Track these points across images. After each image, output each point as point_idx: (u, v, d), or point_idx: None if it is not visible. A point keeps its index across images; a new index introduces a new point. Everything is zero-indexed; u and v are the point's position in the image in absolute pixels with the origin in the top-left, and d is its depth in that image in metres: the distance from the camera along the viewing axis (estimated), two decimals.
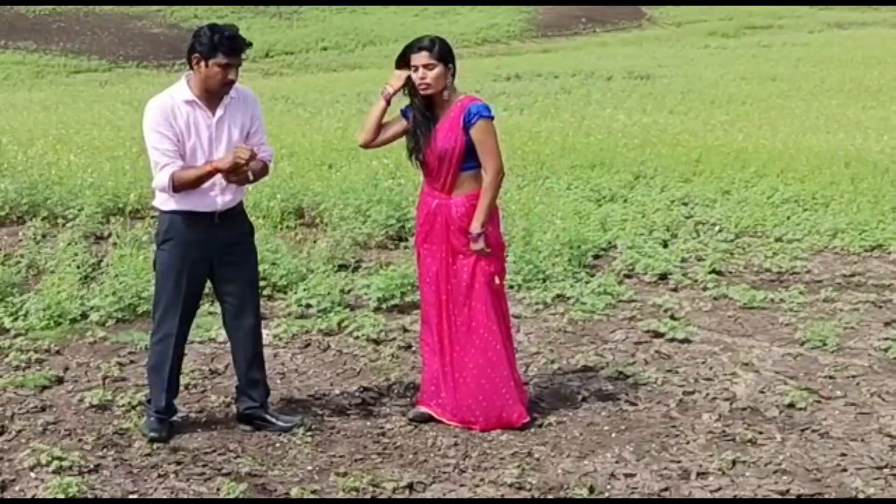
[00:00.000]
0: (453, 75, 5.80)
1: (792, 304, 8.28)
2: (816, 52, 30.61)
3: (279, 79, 30.11)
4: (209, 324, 7.38)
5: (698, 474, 5.33)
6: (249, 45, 5.50)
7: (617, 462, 5.49)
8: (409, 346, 7.18)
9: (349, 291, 8.29)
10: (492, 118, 5.77)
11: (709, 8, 44.58)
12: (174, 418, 5.76)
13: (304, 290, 8.08)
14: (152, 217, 10.37)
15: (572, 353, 7.11)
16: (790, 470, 5.38)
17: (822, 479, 5.29)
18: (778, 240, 10.24)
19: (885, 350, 7.19)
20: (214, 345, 7.12)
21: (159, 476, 5.21)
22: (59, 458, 5.22)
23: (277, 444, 5.64)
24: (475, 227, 5.74)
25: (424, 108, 5.80)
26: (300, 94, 22.93)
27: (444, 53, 5.73)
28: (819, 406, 6.24)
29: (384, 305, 8.00)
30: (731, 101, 20.90)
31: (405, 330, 7.52)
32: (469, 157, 5.78)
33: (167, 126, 5.42)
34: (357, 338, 7.33)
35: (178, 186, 5.41)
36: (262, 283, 8.27)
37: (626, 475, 5.33)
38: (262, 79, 30.29)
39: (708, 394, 6.42)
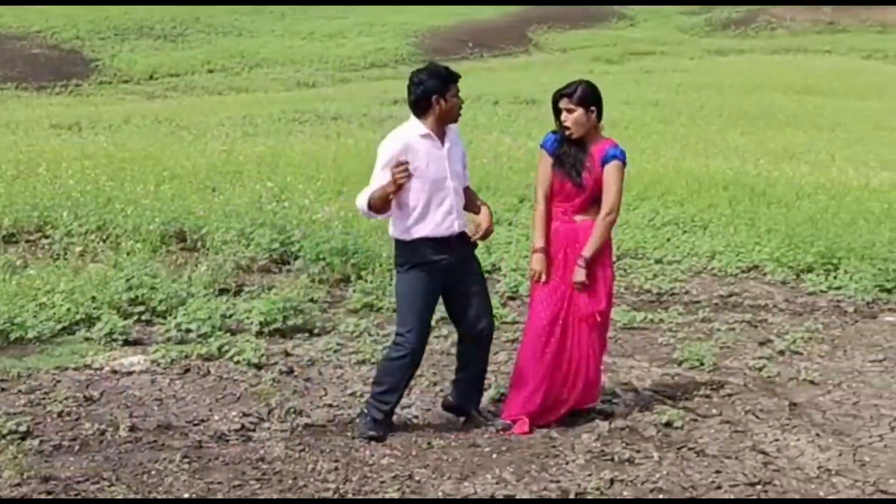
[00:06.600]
0: (598, 117, 6.20)
1: (671, 324, 8.43)
2: (696, 79, 31.33)
3: (163, 101, 29.65)
4: (85, 350, 7.24)
5: (577, 494, 5.37)
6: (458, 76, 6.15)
7: (497, 483, 5.49)
8: (290, 371, 7.11)
9: (231, 316, 8.18)
10: (625, 163, 6.21)
11: (593, 34, 45.45)
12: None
13: (184, 314, 7.93)
14: (27, 241, 10.13)
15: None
16: (666, 488, 5.45)
17: (697, 497, 5.38)
18: (658, 262, 10.44)
19: (760, 369, 7.36)
20: (90, 371, 6.97)
21: None
22: None
23: (153, 472, 5.51)
24: (586, 251, 6.20)
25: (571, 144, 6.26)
26: (185, 117, 22.62)
27: (583, 99, 6.14)
28: (695, 425, 6.35)
29: (266, 329, 7.93)
30: (615, 125, 21.21)
31: (287, 354, 7.45)
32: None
33: (395, 158, 5.92)
34: (238, 363, 7.23)
35: (372, 204, 5.97)
36: (140, 308, 8.17)
37: (506, 496, 5.35)
38: (146, 101, 29.85)
39: (588, 414, 6.48)
